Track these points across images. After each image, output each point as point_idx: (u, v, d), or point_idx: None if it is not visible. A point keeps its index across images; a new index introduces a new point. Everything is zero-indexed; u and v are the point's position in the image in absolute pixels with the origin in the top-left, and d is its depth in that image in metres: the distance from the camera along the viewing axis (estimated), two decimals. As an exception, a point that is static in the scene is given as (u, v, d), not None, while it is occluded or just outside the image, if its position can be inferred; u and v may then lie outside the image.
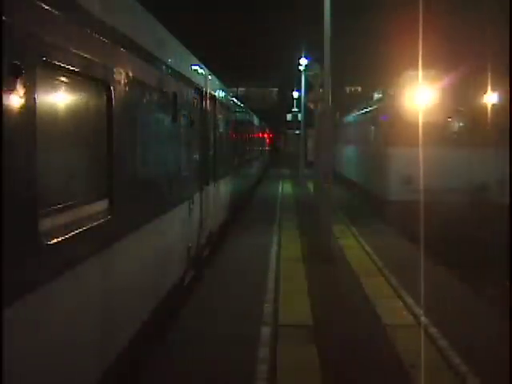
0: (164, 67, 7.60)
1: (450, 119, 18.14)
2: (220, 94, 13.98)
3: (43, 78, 3.91)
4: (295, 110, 50.20)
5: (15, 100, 3.49)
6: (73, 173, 4.75)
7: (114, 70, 5.39)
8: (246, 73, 63.83)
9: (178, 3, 43.04)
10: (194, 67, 10.30)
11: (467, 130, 17.93)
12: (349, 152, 30.23)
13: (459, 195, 16.56)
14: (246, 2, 58.42)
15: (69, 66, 4.32)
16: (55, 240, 4.02)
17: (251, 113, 28.10)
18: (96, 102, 5.17)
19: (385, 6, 36.58)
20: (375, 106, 22.96)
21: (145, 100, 6.63)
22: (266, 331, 7.81)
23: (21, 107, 3.54)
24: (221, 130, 14.03)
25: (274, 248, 13.58)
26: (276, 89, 72.71)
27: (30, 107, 3.64)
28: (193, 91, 9.98)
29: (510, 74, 9.55)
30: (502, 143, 14.76)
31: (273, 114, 59.23)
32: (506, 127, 14.17)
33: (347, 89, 67.34)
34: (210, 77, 12.20)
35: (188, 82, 9.49)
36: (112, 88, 5.31)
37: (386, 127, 19.42)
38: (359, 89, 66.67)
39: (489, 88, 17.55)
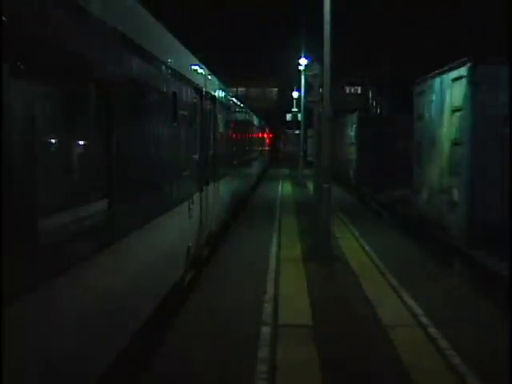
0: (163, 67, 7.59)
1: None
2: (220, 93, 13.98)
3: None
4: (295, 110, 50.18)
5: None
6: (73, 171, 4.74)
7: (114, 69, 5.38)
8: (246, 73, 63.79)
9: (177, 2, 43.01)
10: (193, 67, 10.30)
11: None
12: None
13: None
14: (246, 1, 58.42)
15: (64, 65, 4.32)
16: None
17: (251, 113, 28.08)
18: (96, 102, 5.17)
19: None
20: None
21: (144, 100, 6.62)
22: (265, 331, 7.82)
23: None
24: (220, 129, 14.02)
25: (274, 248, 13.58)
26: (276, 89, 72.73)
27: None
28: (192, 91, 9.98)
29: (511, 74, 9.57)
30: None
31: (273, 113, 59.20)
32: None
33: (347, 89, 67.38)
34: (209, 77, 12.21)
35: (187, 81, 9.49)
36: (112, 88, 5.30)
37: None
38: (359, 89, 66.71)
39: None
